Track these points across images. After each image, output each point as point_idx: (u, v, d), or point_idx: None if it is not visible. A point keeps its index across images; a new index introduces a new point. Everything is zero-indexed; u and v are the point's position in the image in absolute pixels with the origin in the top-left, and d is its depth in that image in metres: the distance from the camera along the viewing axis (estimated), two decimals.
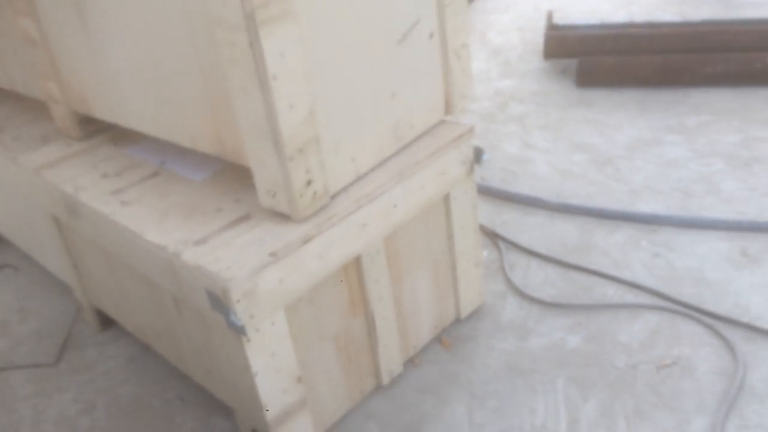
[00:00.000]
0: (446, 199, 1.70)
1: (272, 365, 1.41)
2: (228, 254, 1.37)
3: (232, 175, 1.64)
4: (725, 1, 3.78)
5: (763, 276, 1.93)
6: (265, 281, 1.34)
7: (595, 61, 3.11)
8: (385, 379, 1.73)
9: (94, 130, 1.94)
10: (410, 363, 1.80)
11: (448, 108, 1.71)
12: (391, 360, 1.72)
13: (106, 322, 2.07)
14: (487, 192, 2.47)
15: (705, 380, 1.65)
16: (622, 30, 3.19)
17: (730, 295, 1.88)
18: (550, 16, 3.42)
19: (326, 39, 1.35)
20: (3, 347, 2.12)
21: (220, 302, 1.32)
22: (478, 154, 1.72)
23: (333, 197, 1.46)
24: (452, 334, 1.88)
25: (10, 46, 2.00)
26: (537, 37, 3.67)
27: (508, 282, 2.04)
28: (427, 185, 1.62)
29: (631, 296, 1.93)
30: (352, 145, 1.48)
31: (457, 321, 1.90)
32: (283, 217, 1.43)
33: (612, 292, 1.95)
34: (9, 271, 2.47)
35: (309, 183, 1.38)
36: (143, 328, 1.87)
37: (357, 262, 1.53)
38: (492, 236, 2.24)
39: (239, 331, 1.32)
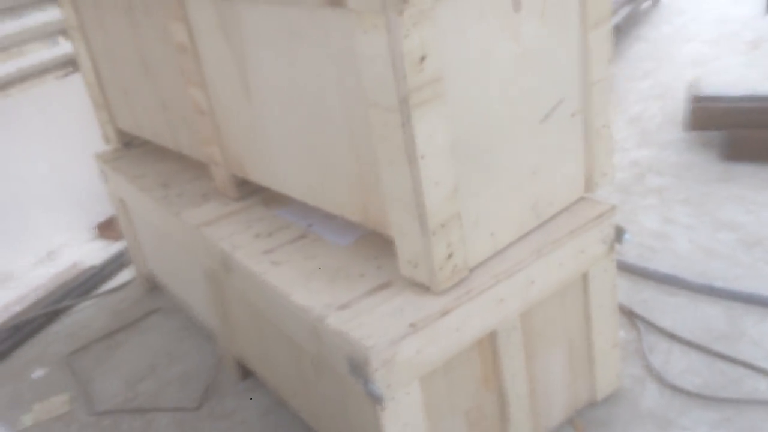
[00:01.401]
0: (585, 277, 1.68)
1: None
2: (370, 321, 1.42)
3: (373, 241, 1.70)
4: None
5: None
6: (404, 351, 1.37)
7: (744, 134, 2.97)
8: None
9: (249, 191, 2.09)
10: None
11: (588, 185, 1.71)
12: None
13: (246, 372, 2.19)
14: (623, 267, 2.39)
15: None
16: None
17: None
18: (692, 86, 3.31)
19: (472, 119, 1.40)
20: (151, 389, 2.28)
21: (359, 369, 1.37)
22: (619, 233, 1.69)
23: (471, 271, 1.49)
24: (586, 418, 1.82)
25: (179, 113, 2.22)
26: (677, 106, 3.57)
27: (648, 366, 1.96)
28: (566, 263, 1.61)
29: None
30: (491, 221, 1.51)
31: (592, 404, 1.84)
32: (422, 287, 1.47)
33: (765, 387, 1.82)
34: (161, 316, 2.67)
35: (449, 256, 1.42)
36: (281, 384, 1.96)
37: (492, 337, 1.54)
38: (629, 315, 2.17)
39: (377, 399, 1.35)
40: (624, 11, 4.69)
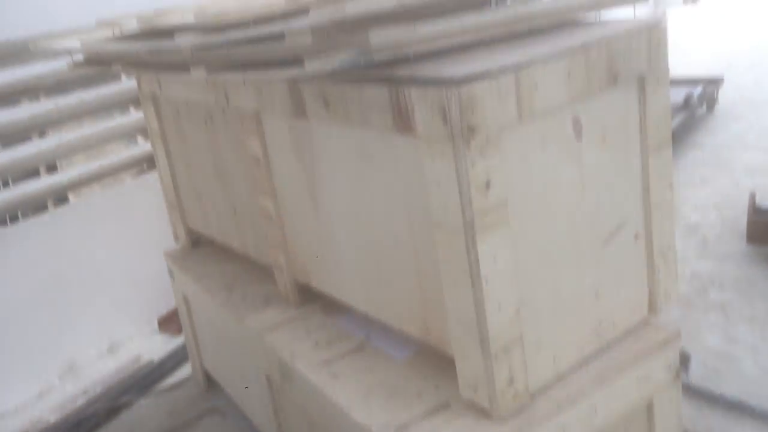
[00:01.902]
0: (649, 407, 1.63)
1: None
2: None
3: (431, 357, 1.70)
4: None
5: None
6: None
7: None
8: None
9: (309, 297, 2.14)
10: None
11: (652, 308, 1.69)
12: None
13: None
14: (685, 389, 2.31)
15: None
16: None
17: None
18: (753, 198, 3.28)
19: (535, 242, 1.43)
20: None
21: None
22: (684, 360, 1.66)
23: (533, 396, 1.47)
24: None
25: (247, 218, 2.32)
26: (737, 216, 3.52)
27: None
28: (629, 391, 1.57)
29: None
30: (553, 344, 1.50)
31: None
32: (482, 411, 1.46)
33: None
34: (217, 416, 2.69)
35: (511, 381, 1.42)
36: None
37: None
38: None
39: None
40: (679, 117, 4.73)
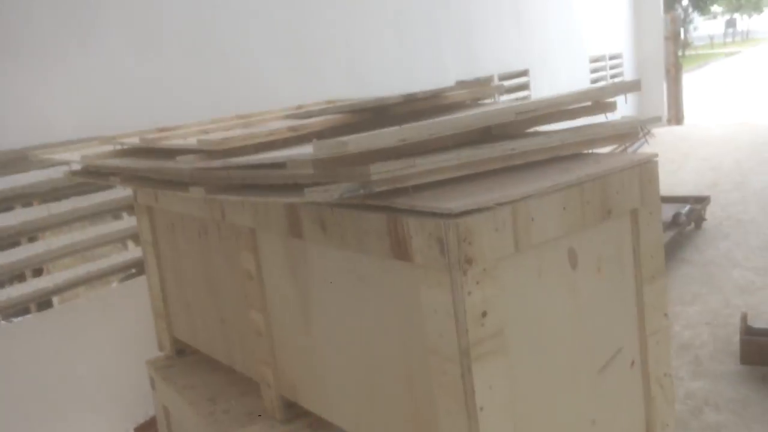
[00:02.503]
0: None
1: None
2: None
3: None
4: None
5: None
6: None
7: None
8: None
9: (296, 414, 2.08)
10: None
11: None
12: None
13: None
14: None
15: None
16: None
17: None
18: (744, 319, 3.30)
19: (531, 371, 1.42)
20: None
21: None
22: None
23: None
24: None
25: (236, 332, 2.29)
26: (729, 336, 3.53)
27: None
28: None
29: None
30: None
31: None
32: None
33: None
34: None
35: None
36: None
37: None
38: None
39: None
40: (668, 235, 4.82)
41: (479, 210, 1.30)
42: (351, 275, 1.62)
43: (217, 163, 1.70)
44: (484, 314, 1.31)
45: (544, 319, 1.44)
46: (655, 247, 1.63)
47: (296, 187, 1.41)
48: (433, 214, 1.31)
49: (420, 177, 1.41)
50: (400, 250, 1.39)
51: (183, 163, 1.79)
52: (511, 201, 1.35)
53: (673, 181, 7.06)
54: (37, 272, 3.57)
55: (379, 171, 1.33)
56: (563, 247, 1.46)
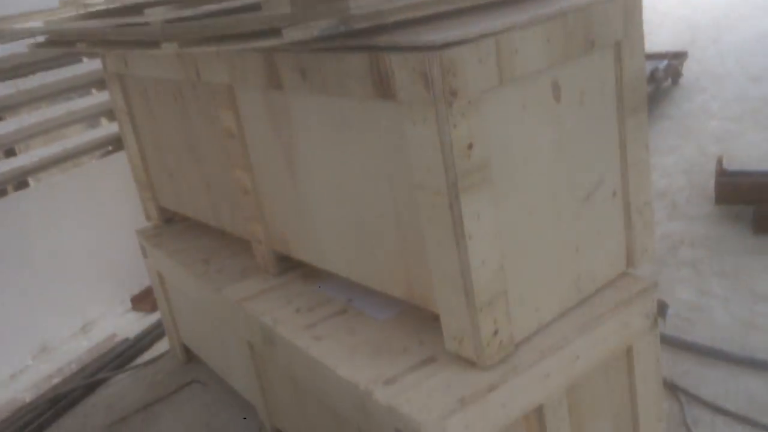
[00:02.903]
0: (629, 352, 1.69)
1: None
2: (418, 396, 1.45)
3: (413, 315, 1.74)
4: None
5: None
6: (453, 426, 1.39)
7: None
8: None
9: (289, 267, 2.15)
10: None
11: (630, 262, 1.74)
12: None
13: None
14: (662, 340, 2.39)
15: None
16: None
17: None
18: (720, 162, 3.37)
19: (517, 201, 1.46)
20: None
21: None
22: (662, 308, 1.72)
23: (517, 346, 1.52)
24: None
25: (222, 193, 2.31)
26: (705, 181, 3.62)
27: None
28: (610, 338, 1.63)
29: None
30: (536, 297, 1.55)
31: None
32: (467, 363, 1.50)
33: None
34: (198, 387, 2.70)
35: (496, 333, 1.46)
36: None
37: (539, 412, 1.55)
38: (671, 388, 2.16)
39: None
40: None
41: (462, 42, 1.28)
42: (334, 121, 1.62)
43: (187, 12, 1.64)
44: (470, 146, 1.33)
45: (529, 151, 1.46)
46: (638, 80, 1.63)
47: (274, 32, 1.37)
48: (416, 48, 1.29)
49: (401, 12, 1.37)
50: (383, 89, 1.39)
51: (152, 17, 1.73)
52: (495, 33, 1.33)
53: (650, 40, 6.94)
54: (10, 153, 3.52)
55: (359, 5, 1.29)
56: (546, 80, 1.46)
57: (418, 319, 1.71)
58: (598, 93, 1.58)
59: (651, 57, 5.58)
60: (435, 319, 1.55)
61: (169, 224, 2.88)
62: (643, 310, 1.68)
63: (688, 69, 5.76)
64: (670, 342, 2.38)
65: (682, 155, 4.15)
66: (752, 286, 2.65)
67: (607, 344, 1.62)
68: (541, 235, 1.53)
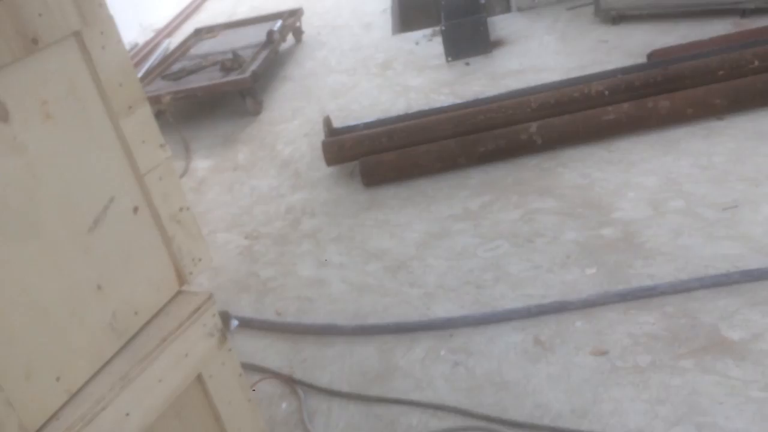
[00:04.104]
0: (199, 380, 1.50)
1: None
2: None
3: None
4: (491, 73, 3.97)
5: (557, 365, 1.89)
6: None
7: (376, 159, 3.10)
8: None
9: None
10: None
11: (181, 278, 1.53)
12: None
13: None
14: (282, 329, 2.30)
15: None
16: (396, 124, 3.22)
17: (529, 396, 1.81)
18: (327, 122, 3.40)
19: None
20: None
21: None
22: (225, 320, 1.55)
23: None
24: None
25: None
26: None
27: None
28: (168, 375, 1.41)
29: (435, 421, 1.81)
30: (52, 362, 1.25)
31: None
32: None
33: (416, 422, 1.83)
34: None
35: None
36: None
37: None
38: (289, 382, 2.06)
39: None
40: (263, 55, 4.73)
41: None
42: None
43: None
44: None
45: None
46: (123, 72, 1.39)
47: None
48: None
49: None
50: None
51: None
52: None
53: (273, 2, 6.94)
54: None
55: None
56: None
57: None
58: (70, 99, 1.29)
59: (266, 19, 5.57)
60: None
61: None
62: (203, 331, 1.49)
63: (310, 24, 5.86)
64: (288, 329, 2.29)
65: (305, 117, 4.15)
66: (365, 245, 2.69)
67: (166, 384, 1.41)
68: (39, 289, 1.23)
